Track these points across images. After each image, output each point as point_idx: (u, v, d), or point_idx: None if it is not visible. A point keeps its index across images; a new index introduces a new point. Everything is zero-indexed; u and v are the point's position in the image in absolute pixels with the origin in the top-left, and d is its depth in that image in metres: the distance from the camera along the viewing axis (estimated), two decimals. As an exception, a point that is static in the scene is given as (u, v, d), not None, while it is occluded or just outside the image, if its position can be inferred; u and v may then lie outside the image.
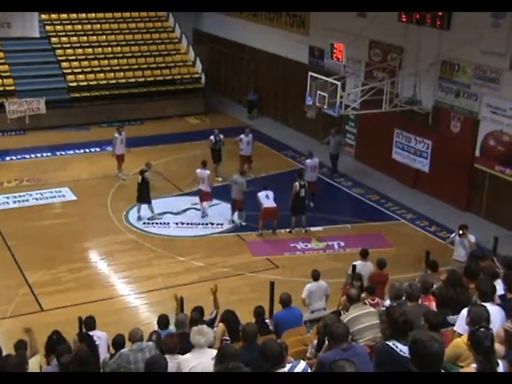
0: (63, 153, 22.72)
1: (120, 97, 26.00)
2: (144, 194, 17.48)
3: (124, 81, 26.51)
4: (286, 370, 5.46)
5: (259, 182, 18.28)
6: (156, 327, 9.95)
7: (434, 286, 9.21)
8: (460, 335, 6.43)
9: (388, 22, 18.87)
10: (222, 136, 20.42)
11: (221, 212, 18.05)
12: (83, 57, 26.71)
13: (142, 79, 26.77)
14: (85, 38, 27.40)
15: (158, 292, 14.23)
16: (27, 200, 18.77)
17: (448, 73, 18.40)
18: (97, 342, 9.07)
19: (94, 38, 27.52)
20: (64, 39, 27.09)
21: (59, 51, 26.58)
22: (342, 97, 18.51)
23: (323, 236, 17.05)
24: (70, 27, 27.58)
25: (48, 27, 27.15)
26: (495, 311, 6.75)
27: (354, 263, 12.45)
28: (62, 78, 25.88)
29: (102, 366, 8.56)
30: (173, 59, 27.92)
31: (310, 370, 5.70)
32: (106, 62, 26.88)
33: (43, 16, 26.84)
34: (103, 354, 9.21)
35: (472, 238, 13.66)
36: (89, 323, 9.71)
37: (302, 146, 22.28)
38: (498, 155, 17.30)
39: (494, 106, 17.15)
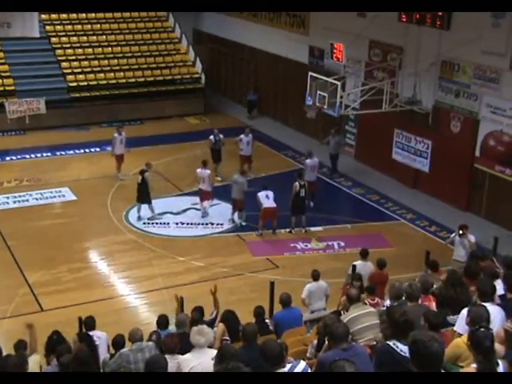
0: (63, 153, 22.72)
1: (120, 97, 26.00)
2: (144, 194, 17.48)
3: (124, 81, 26.51)
4: (286, 370, 5.46)
5: (259, 182, 18.27)
6: (156, 327, 9.94)
7: (434, 286, 9.22)
8: (460, 335, 6.43)
9: (388, 21, 18.86)
10: (221, 136, 20.42)
11: (221, 212, 18.05)
12: (83, 57, 26.71)
13: (142, 79, 26.78)
14: (85, 38, 27.41)
15: (158, 292, 14.23)
16: (27, 200, 18.78)
17: (448, 73, 18.40)
18: (97, 342, 9.07)
19: (94, 38, 27.52)
20: (64, 39, 27.10)
21: (59, 51, 26.58)
22: (342, 97, 18.51)
23: (323, 236, 17.05)
24: (70, 27, 27.58)
25: (48, 27, 27.16)
26: (495, 311, 6.75)
27: (354, 263, 12.45)
28: (62, 77, 25.88)
29: (102, 365, 8.56)
30: (173, 59, 27.92)
31: (310, 370, 5.70)
32: (106, 62, 26.88)
33: (43, 16, 26.85)
34: (103, 354, 9.21)
35: (472, 238, 13.66)
36: (89, 323, 9.70)
37: (301, 145, 22.28)
38: (498, 155, 17.29)
39: (494, 106, 17.15)
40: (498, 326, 6.49)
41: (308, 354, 8.22)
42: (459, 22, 17.19)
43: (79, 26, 27.73)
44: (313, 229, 17.36)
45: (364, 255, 12.73)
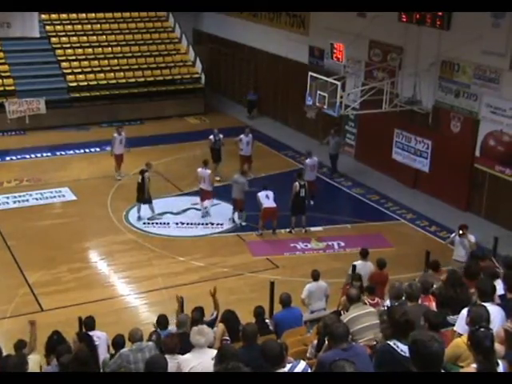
0: (63, 153, 22.72)
1: (120, 97, 26.00)
2: (144, 194, 17.48)
3: (124, 81, 26.51)
4: (286, 370, 5.46)
5: (259, 182, 18.27)
6: (155, 327, 9.94)
7: (434, 286, 9.22)
8: (460, 335, 6.44)
9: (388, 21, 18.86)
10: (221, 135, 20.42)
11: (221, 212, 18.05)
12: (83, 57, 26.71)
13: (142, 79, 26.77)
14: (85, 38, 27.41)
15: (158, 292, 14.23)
16: (27, 200, 18.77)
17: (448, 73, 18.40)
18: (96, 342, 9.07)
19: (94, 38, 27.52)
20: (64, 39, 27.09)
21: (59, 51, 26.58)
22: (342, 97, 18.51)
23: (323, 236, 17.04)
24: (70, 27, 27.58)
25: (48, 27, 27.16)
26: (495, 311, 6.75)
27: (354, 263, 12.45)
28: (62, 77, 25.88)
29: (102, 366, 8.56)
30: (173, 59, 27.92)
31: (310, 370, 5.70)
32: (106, 62, 26.88)
33: (43, 16, 26.85)
34: (103, 354, 9.21)
35: (472, 238, 13.66)
36: (89, 323, 9.70)
37: (301, 145, 22.27)
38: (498, 155, 17.29)
39: (493, 106, 17.15)
40: (498, 325, 6.49)
41: (308, 354, 8.22)
42: (459, 22, 17.19)
43: (79, 26, 27.73)
44: (313, 229, 17.36)
45: (364, 255, 12.73)
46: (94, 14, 28.01)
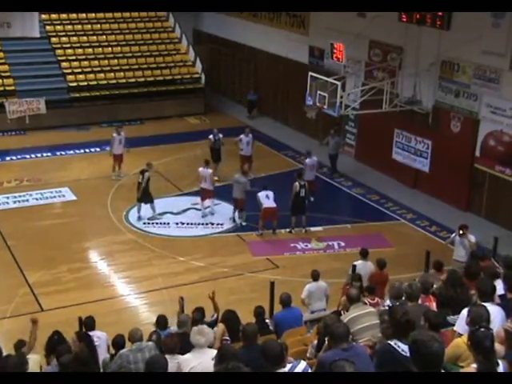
0: (63, 153, 22.72)
1: (120, 97, 26.00)
2: (145, 194, 17.49)
3: (124, 81, 26.51)
4: (286, 369, 5.46)
5: (259, 182, 18.27)
6: (155, 327, 9.94)
7: (435, 286, 9.22)
8: (460, 335, 6.44)
9: (388, 21, 18.86)
10: (221, 135, 20.42)
11: (221, 212, 18.06)
12: (83, 57, 26.71)
13: (142, 79, 26.77)
14: (85, 38, 27.41)
15: (158, 292, 14.24)
16: (27, 200, 18.77)
17: (448, 73, 18.40)
18: (97, 343, 9.06)
19: (94, 37, 27.52)
20: (64, 39, 27.09)
21: (59, 51, 26.58)
22: (341, 97, 18.51)
23: (323, 236, 17.04)
24: (70, 27, 27.58)
25: (48, 27, 27.16)
26: (495, 311, 6.75)
27: (355, 263, 12.45)
28: (62, 77, 25.88)
29: (102, 366, 8.56)
30: (173, 59, 27.92)
31: (310, 370, 5.70)
32: (106, 62, 26.88)
33: (43, 16, 26.86)
34: (103, 354, 9.21)
35: (472, 238, 13.65)
36: (89, 323, 9.70)
37: (301, 146, 22.27)
38: (498, 155, 17.30)
39: (493, 106, 17.15)
40: (498, 326, 6.49)
41: (308, 354, 8.22)
42: (459, 22, 17.19)
43: (79, 26, 27.73)
44: (313, 229, 17.36)
45: (364, 255, 12.73)
46: (94, 14, 28.02)
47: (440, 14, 17.16)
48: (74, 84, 25.72)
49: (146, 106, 26.15)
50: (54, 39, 26.93)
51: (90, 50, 27.05)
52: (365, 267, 12.40)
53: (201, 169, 17.85)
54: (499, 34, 16.53)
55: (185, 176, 20.23)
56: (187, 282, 14.56)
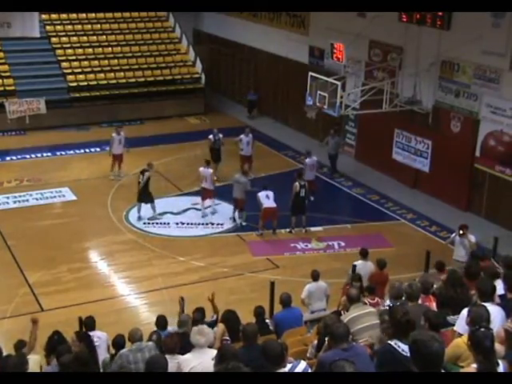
0: (63, 153, 22.72)
1: (120, 97, 26.00)
2: (145, 194, 17.49)
3: (124, 81, 26.51)
4: (286, 369, 5.46)
5: (259, 182, 18.27)
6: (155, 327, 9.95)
7: (435, 286, 9.22)
8: (460, 335, 6.44)
9: (388, 21, 18.86)
10: (220, 135, 20.42)
11: (221, 212, 18.07)
12: (83, 57, 26.71)
13: (142, 79, 26.77)
14: (85, 38, 27.41)
15: (158, 292, 14.24)
16: (27, 200, 18.77)
17: (448, 73, 18.40)
18: (97, 343, 9.07)
19: (94, 37, 27.52)
20: (64, 39, 27.09)
21: (59, 51, 26.58)
22: (342, 97, 18.51)
23: (323, 236, 17.04)
24: (70, 27, 27.58)
25: (48, 27, 27.16)
26: (495, 311, 6.75)
27: (355, 263, 12.45)
28: (62, 77, 25.88)
29: (102, 366, 8.56)
30: (173, 59, 27.92)
31: (310, 370, 5.70)
32: (106, 62, 26.88)
33: (43, 16, 26.85)
34: (103, 354, 9.21)
35: (472, 238, 13.65)
36: (89, 323, 9.70)
37: (301, 145, 22.27)
38: (498, 155, 17.30)
39: (493, 105, 17.15)
40: (498, 326, 6.49)
41: (308, 354, 8.22)
42: (459, 22, 17.19)
43: (79, 26, 27.73)
44: (313, 229, 17.36)
45: (364, 255, 12.73)
46: (94, 14, 28.01)
47: (440, 13, 17.16)
48: (74, 84, 25.72)
49: (146, 106, 26.15)
50: (54, 39, 26.93)
51: (90, 50, 27.05)
52: (365, 267, 12.40)
53: (201, 168, 17.87)
54: (499, 34, 16.53)
55: (185, 176, 20.23)
56: (187, 282, 14.57)
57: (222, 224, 17.55)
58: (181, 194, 19.41)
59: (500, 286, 7.81)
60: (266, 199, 16.68)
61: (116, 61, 27.03)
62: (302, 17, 23.94)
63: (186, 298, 10.89)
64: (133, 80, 26.60)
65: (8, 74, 25.19)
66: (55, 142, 23.34)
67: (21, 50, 25.87)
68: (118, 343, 9.03)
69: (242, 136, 20.52)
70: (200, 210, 18.03)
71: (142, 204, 17.62)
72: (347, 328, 6.39)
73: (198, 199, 18.21)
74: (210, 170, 17.89)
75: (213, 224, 17.57)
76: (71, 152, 22.82)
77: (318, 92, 18.73)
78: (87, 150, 22.97)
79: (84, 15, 27.88)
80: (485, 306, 6.40)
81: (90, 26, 27.87)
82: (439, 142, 18.61)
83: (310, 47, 23.68)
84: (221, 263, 15.50)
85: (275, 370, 5.37)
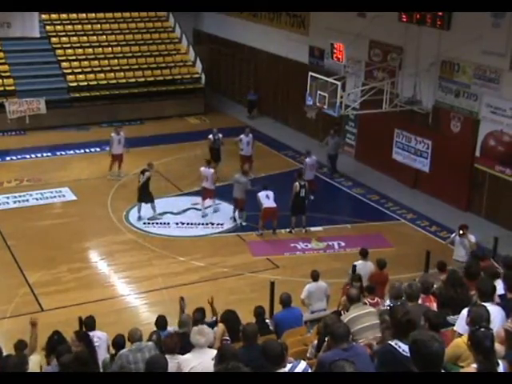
0: (63, 153, 22.72)
1: (120, 97, 26.00)
2: (145, 194, 17.49)
3: (124, 81, 26.51)
4: (286, 369, 5.46)
5: (259, 182, 18.25)
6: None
7: (435, 286, 9.22)
8: (460, 335, 6.44)
9: (388, 21, 18.86)
10: (220, 135, 20.42)
11: (221, 212, 18.07)
12: (83, 57, 26.71)
13: (142, 79, 26.77)
14: (85, 38, 27.41)
15: (158, 292, 14.23)
16: (27, 200, 18.77)
17: (448, 73, 18.40)
18: (97, 343, 9.06)
19: (94, 37, 27.52)
20: (64, 39, 27.09)
21: (59, 51, 26.58)
22: (342, 97, 18.51)
23: (323, 236, 17.04)
24: (70, 27, 27.58)
25: (48, 27, 27.15)
26: (495, 311, 6.75)
27: (355, 263, 12.45)
28: (62, 77, 25.88)
29: (102, 366, 8.55)
30: (173, 59, 27.92)
31: (310, 370, 5.69)
32: (106, 62, 26.88)
33: (43, 16, 26.86)
34: (103, 354, 9.20)
35: (472, 238, 13.65)
36: (89, 323, 9.69)
37: (301, 145, 22.26)
38: (498, 155, 17.30)
39: (493, 106, 17.15)
40: (498, 325, 6.49)
41: (308, 354, 8.22)
42: (459, 22, 17.19)
43: (79, 26, 27.73)
44: (313, 229, 17.36)
45: (364, 255, 12.73)
46: (94, 14, 28.01)
47: (440, 13, 17.16)
48: (74, 84, 25.72)
49: (146, 106, 26.16)
50: (54, 39, 26.93)
51: (90, 50, 27.05)
52: (365, 267, 12.40)
53: (202, 168, 17.89)
54: (499, 34, 16.53)
55: (185, 176, 20.23)
56: (187, 282, 14.56)
57: (221, 224, 17.55)
58: (181, 194, 19.41)
59: (500, 286, 7.81)
60: (266, 199, 16.68)
61: (116, 61, 27.03)
62: (302, 17, 23.94)
63: (186, 298, 10.90)
64: (133, 80, 26.60)
65: (8, 74, 25.19)
66: (55, 141, 23.34)
67: (21, 50, 25.87)
68: (117, 343, 9.03)
69: (242, 136, 20.52)
70: (200, 209, 18.03)
71: (142, 204, 17.62)
72: (347, 328, 6.39)
73: (198, 199, 18.21)
74: (211, 170, 17.89)
75: (213, 224, 17.57)
76: (71, 152, 22.82)
77: (318, 92, 18.73)
78: (87, 150, 22.97)
79: (84, 15, 27.88)
80: (485, 306, 6.40)
81: (90, 26, 27.87)
82: (439, 141, 18.61)
83: (310, 47, 23.67)
84: (221, 263, 15.49)
85: (275, 370, 5.37)
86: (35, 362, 8.42)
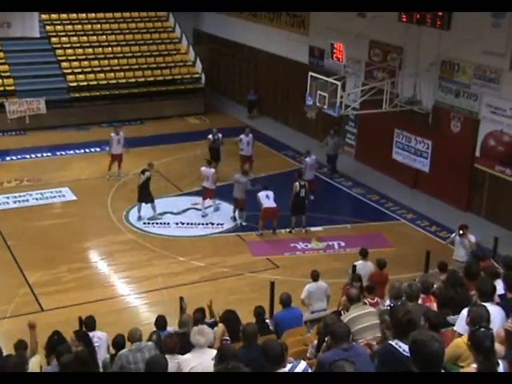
0: (63, 153, 22.72)
1: (120, 97, 26.00)
2: (145, 194, 17.49)
3: (124, 81, 26.51)
4: (286, 369, 5.46)
5: (259, 182, 18.23)
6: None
7: (435, 286, 9.22)
8: (460, 335, 6.44)
9: (388, 21, 18.86)
10: (220, 135, 20.42)
11: (221, 212, 18.08)
12: (83, 57, 26.71)
13: (142, 79, 26.77)
14: (85, 38, 27.41)
15: (158, 292, 14.24)
16: (27, 200, 18.77)
17: (448, 73, 18.40)
18: (97, 343, 9.06)
19: (94, 37, 27.52)
20: (64, 39, 27.10)
21: (59, 51, 26.58)
22: (342, 97, 18.51)
23: (323, 236, 17.04)
24: (70, 27, 27.58)
25: (48, 27, 27.15)
26: (495, 311, 6.75)
27: (355, 263, 12.45)
28: (62, 77, 25.88)
29: (102, 366, 8.55)
30: (173, 59, 27.92)
31: (310, 370, 5.69)
32: (106, 62, 26.88)
33: (43, 16, 26.86)
34: (103, 354, 9.20)
35: (472, 238, 13.65)
36: (89, 323, 9.69)
37: (301, 145, 22.26)
38: (498, 155, 17.30)
39: (494, 105, 17.15)
40: (498, 325, 6.49)
41: (308, 354, 8.22)
42: (459, 22, 17.19)
43: (79, 26, 27.73)
44: (313, 229, 17.35)
45: (364, 255, 12.73)
46: (94, 14, 28.01)
47: (440, 13, 17.16)
48: (74, 84, 25.72)
49: (146, 106, 26.15)
50: (54, 39, 26.93)
51: (90, 50, 27.05)
52: (365, 267, 12.40)
53: (203, 168, 17.90)
54: (499, 34, 16.53)
55: (185, 176, 20.23)
56: (187, 282, 14.56)
57: (222, 224, 17.56)
58: (181, 194, 19.41)
59: (500, 286, 7.81)
60: (266, 199, 16.68)
61: (116, 61, 27.03)
62: (302, 17, 23.94)
63: (186, 298, 10.91)
64: (133, 80, 26.60)
65: (8, 74, 25.19)
66: (55, 141, 23.35)
67: (21, 50, 25.87)
68: (117, 343, 9.03)
69: (242, 136, 20.52)
70: (200, 209, 18.03)
71: (142, 204, 17.62)
72: (348, 328, 6.39)
73: (198, 199, 18.22)
74: (212, 170, 17.89)
75: (213, 224, 17.57)
76: (71, 152, 22.82)
77: (318, 92, 18.73)
78: (87, 150, 22.97)
79: (84, 15, 27.88)
80: (485, 306, 6.40)
81: (90, 26, 27.87)
82: (439, 141, 18.61)
83: (310, 47, 23.68)
84: (221, 263, 15.49)
85: (275, 370, 5.37)
86: (35, 363, 8.42)
